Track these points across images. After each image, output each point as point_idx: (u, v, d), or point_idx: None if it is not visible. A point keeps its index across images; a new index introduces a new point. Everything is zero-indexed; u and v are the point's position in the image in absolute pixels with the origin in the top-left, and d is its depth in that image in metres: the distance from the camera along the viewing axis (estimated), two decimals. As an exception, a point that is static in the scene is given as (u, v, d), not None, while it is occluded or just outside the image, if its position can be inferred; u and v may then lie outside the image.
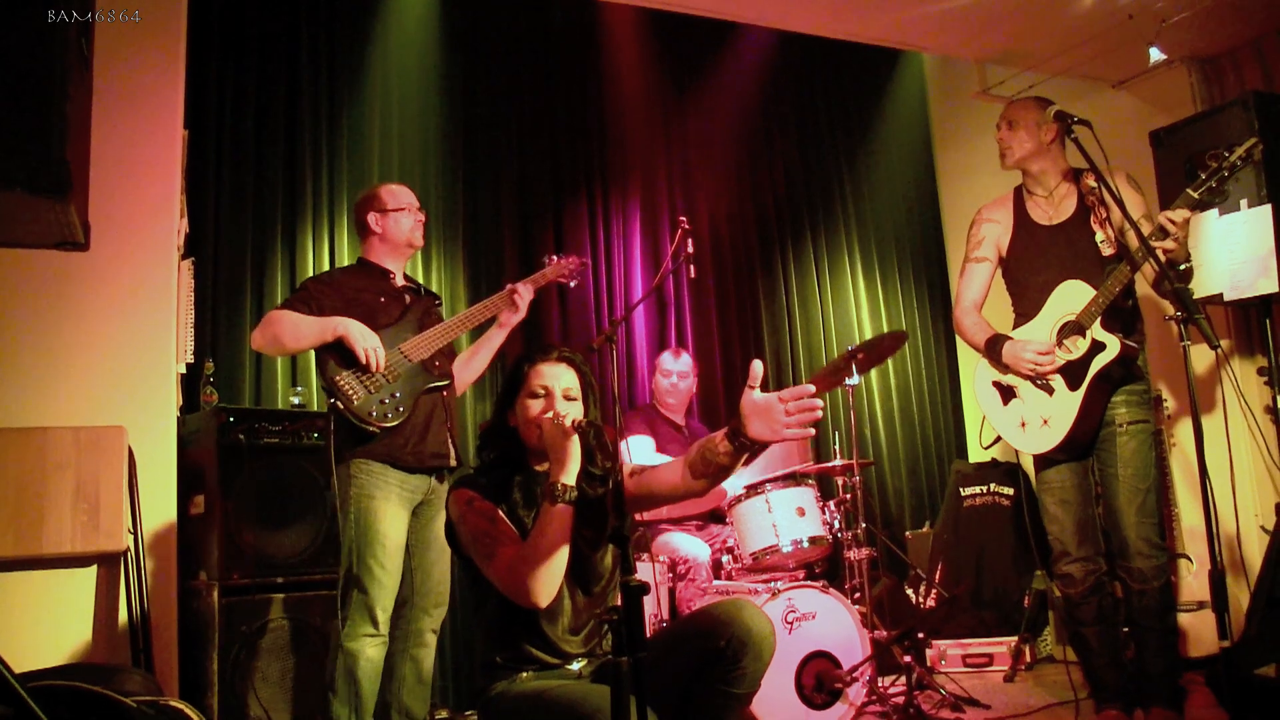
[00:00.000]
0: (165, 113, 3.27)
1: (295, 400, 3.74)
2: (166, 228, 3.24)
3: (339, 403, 2.65)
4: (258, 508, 3.24)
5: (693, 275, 3.83)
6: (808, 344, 5.62)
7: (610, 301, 5.19)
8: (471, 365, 3.12)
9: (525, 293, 3.10)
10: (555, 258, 3.29)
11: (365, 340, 2.70)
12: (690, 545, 3.88)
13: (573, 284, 3.35)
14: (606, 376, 4.70)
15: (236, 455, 3.24)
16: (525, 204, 4.99)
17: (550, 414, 1.94)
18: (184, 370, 3.47)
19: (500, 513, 1.98)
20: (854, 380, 3.92)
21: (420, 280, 4.15)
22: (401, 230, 2.98)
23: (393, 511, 2.69)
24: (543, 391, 2.04)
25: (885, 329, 5.71)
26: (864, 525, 3.77)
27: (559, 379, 2.09)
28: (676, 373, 4.41)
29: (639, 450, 4.08)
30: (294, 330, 2.74)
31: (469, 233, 4.82)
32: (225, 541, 3.13)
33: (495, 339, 3.13)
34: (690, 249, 3.71)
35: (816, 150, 5.84)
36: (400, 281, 2.99)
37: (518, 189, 4.97)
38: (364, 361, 2.68)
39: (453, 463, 2.81)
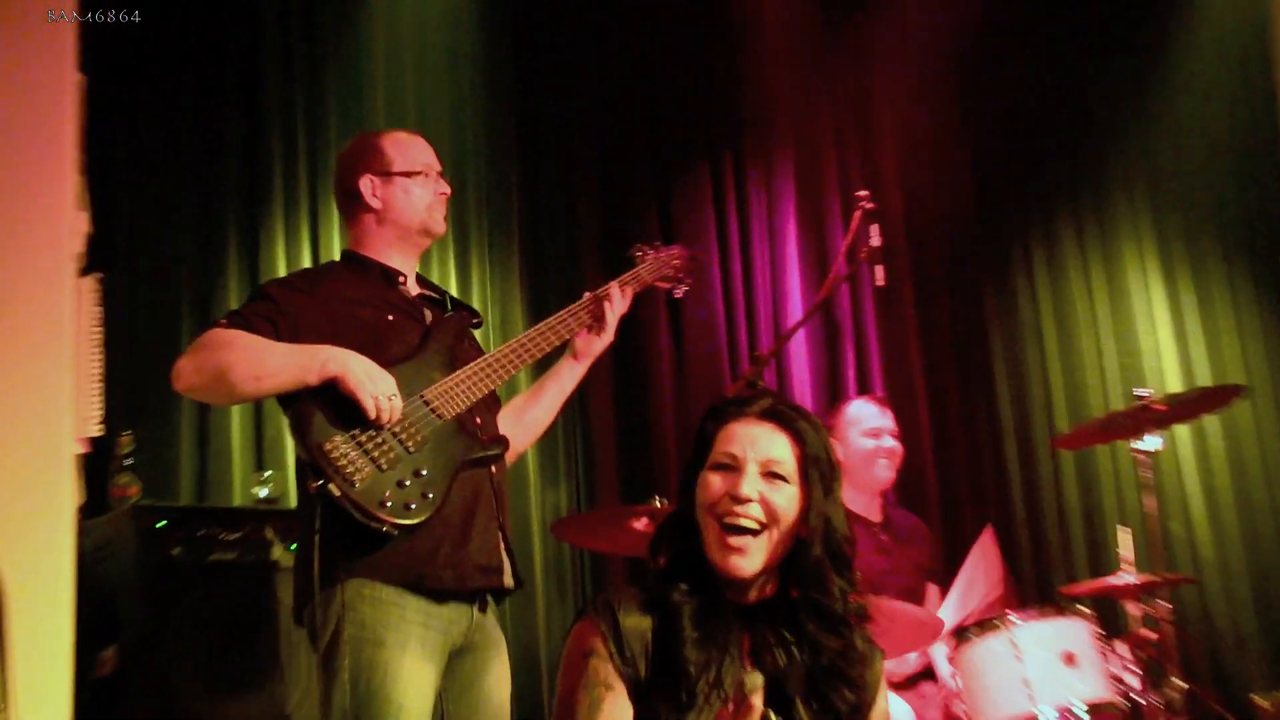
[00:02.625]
0: (49, 48, 3.24)
1: (262, 492, 3.81)
2: (52, 227, 3.23)
3: (330, 486, 2.65)
4: (202, 662, 3.26)
5: (880, 282, 3.97)
6: (1070, 386, 5.66)
7: (751, 325, 5.36)
8: (530, 417, 3.19)
9: (617, 300, 3.17)
10: (649, 250, 3.37)
11: (373, 384, 2.73)
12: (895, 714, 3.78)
13: (680, 290, 3.45)
14: None
15: (169, 580, 3.29)
16: (613, 183, 5.26)
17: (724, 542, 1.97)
18: (85, 449, 3.43)
19: (621, 682, 1.98)
20: (1151, 444, 3.97)
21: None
22: (414, 206, 3.05)
23: (413, 666, 2.71)
24: (729, 462, 2.04)
25: (1203, 366, 5.70)
26: (1180, 683, 3.79)
27: (756, 445, 2.06)
28: (888, 431, 4.51)
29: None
30: (253, 361, 2.76)
31: (526, 225, 5.10)
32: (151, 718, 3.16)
33: (568, 376, 3.19)
34: (876, 240, 3.87)
35: (1075, 81, 5.84)
36: (414, 289, 3.07)
37: (601, 162, 5.25)
38: (371, 417, 2.70)
39: (508, 581, 2.88)
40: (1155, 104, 5.88)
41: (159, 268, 4.23)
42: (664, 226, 5.16)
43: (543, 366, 3.32)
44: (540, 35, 5.16)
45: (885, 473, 4.46)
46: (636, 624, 2.01)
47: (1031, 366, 5.66)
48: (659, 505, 3.58)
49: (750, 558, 2.00)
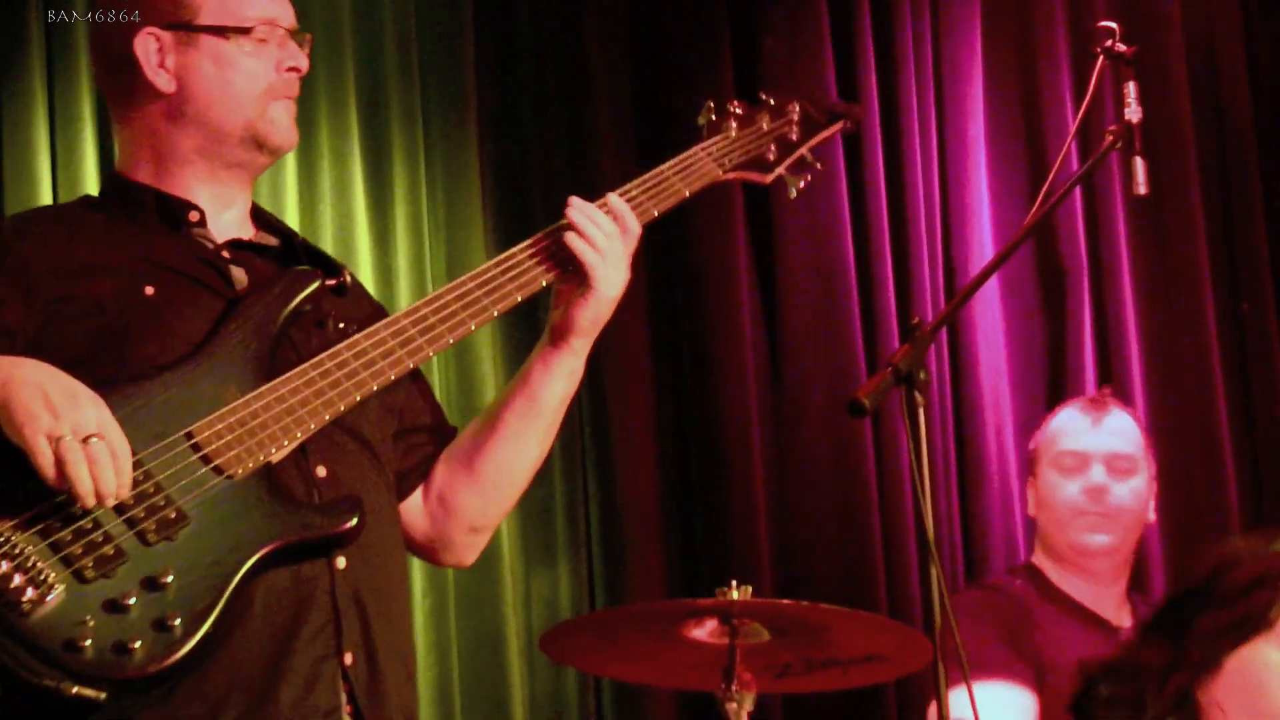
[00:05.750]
0: None
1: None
2: None
3: None
4: None
5: (1142, 189, 3.99)
6: None
7: (904, 273, 5.54)
8: (491, 465, 3.23)
9: (597, 226, 3.11)
10: (736, 107, 3.41)
11: (58, 420, 2.65)
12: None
13: (795, 189, 3.47)
14: (902, 488, 5.35)
15: None
16: (653, 13, 5.58)
17: None
18: None
19: None
20: None
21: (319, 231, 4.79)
22: (236, 91, 3.05)
23: None
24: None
25: None
26: None
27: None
28: (1100, 457, 4.64)
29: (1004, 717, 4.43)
30: None
31: (493, 95, 5.34)
32: None
33: (545, 378, 3.18)
34: (1135, 114, 3.93)
35: None
36: (227, 232, 3.08)
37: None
38: (49, 481, 2.62)
39: None
40: None
41: None
42: (743, 88, 5.17)
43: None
44: None
45: (1089, 535, 4.58)
46: None
47: None
48: (738, 597, 3.63)
49: None
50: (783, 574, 5.11)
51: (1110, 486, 4.50)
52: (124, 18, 3.07)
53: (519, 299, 3.03)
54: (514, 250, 3.07)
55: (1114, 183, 5.30)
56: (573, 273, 3.06)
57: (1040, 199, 4.13)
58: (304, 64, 3.07)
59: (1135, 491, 4.55)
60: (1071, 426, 4.64)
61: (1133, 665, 2.42)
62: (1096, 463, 4.52)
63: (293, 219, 4.74)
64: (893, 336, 5.30)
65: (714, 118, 3.34)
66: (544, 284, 3.08)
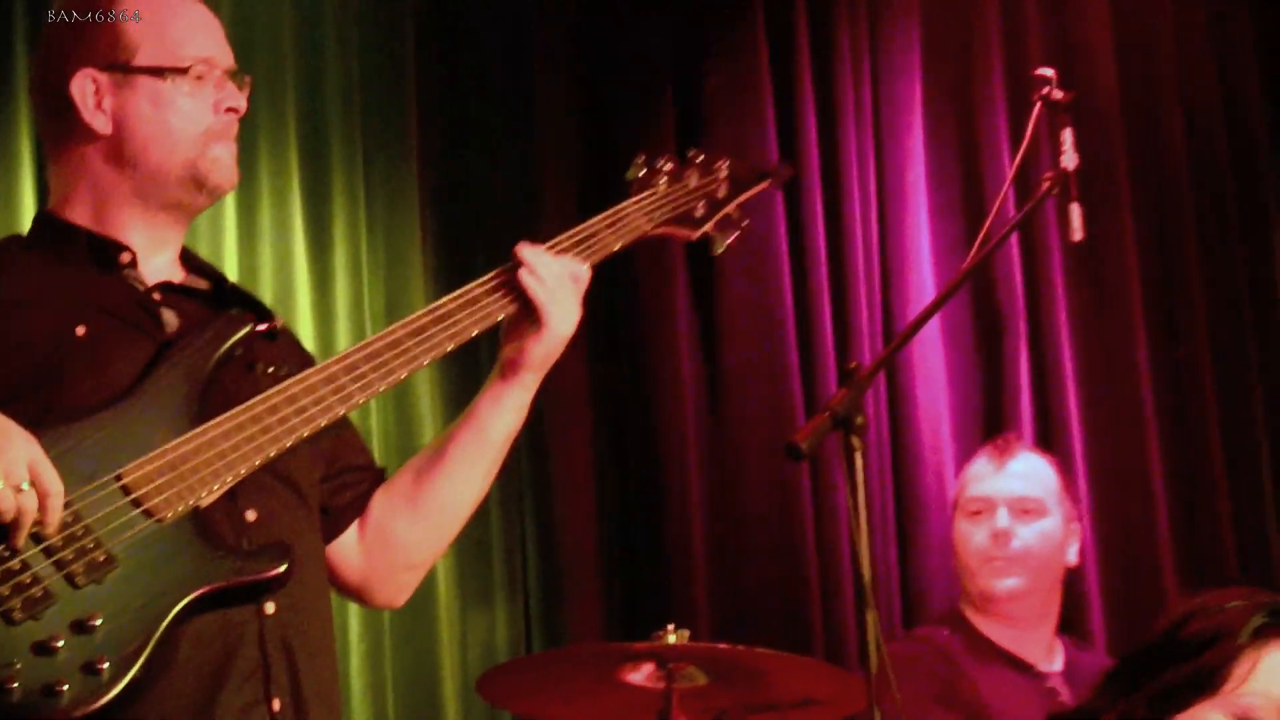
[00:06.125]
0: None
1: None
2: None
3: None
4: None
5: (1077, 235, 4.05)
6: None
7: (842, 316, 5.53)
8: (434, 500, 3.24)
9: (547, 269, 3.13)
10: (667, 163, 3.42)
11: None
12: None
13: (720, 245, 3.49)
14: (838, 533, 5.35)
15: None
16: (598, 59, 5.65)
17: None
18: None
19: None
20: None
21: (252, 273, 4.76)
22: (174, 132, 3.03)
23: None
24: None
25: None
26: None
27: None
28: (1004, 501, 4.66)
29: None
30: None
31: (435, 139, 5.36)
32: None
33: (495, 414, 3.20)
34: (1070, 161, 3.99)
35: None
36: (157, 274, 3.06)
37: (579, 22, 5.60)
38: None
39: None
40: None
41: None
42: (685, 130, 5.33)
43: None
44: None
45: (994, 581, 4.61)
46: None
47: None
48: (675, 640, 3.67)
49: None
50: (720, 616, 5.13)
51: (1014, 530, 4.53)
52: (64, 51, 3.05)
53: (450, 348, 3.04)
54: (446, 299, 3.08)
55: (1050, 228, 5.37)
56: (523, 312, 3.07)
57: (978, 244, 4.17)
58: (242, 105, 3.07)
59: (1043, 534, 4.57)
60: (977, 472, 4.68)
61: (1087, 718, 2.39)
62: (1000, 506, 4.55)
63: (231, 259, 4.79)
64: (830, 380, 5.31)
65: (644, 173, 3.36)
66: (486, 328, 3.08)
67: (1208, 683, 2.25)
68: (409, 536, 3.16)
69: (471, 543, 5.02)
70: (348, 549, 3.09)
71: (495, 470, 3.20)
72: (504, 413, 3.14)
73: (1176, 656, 2.28)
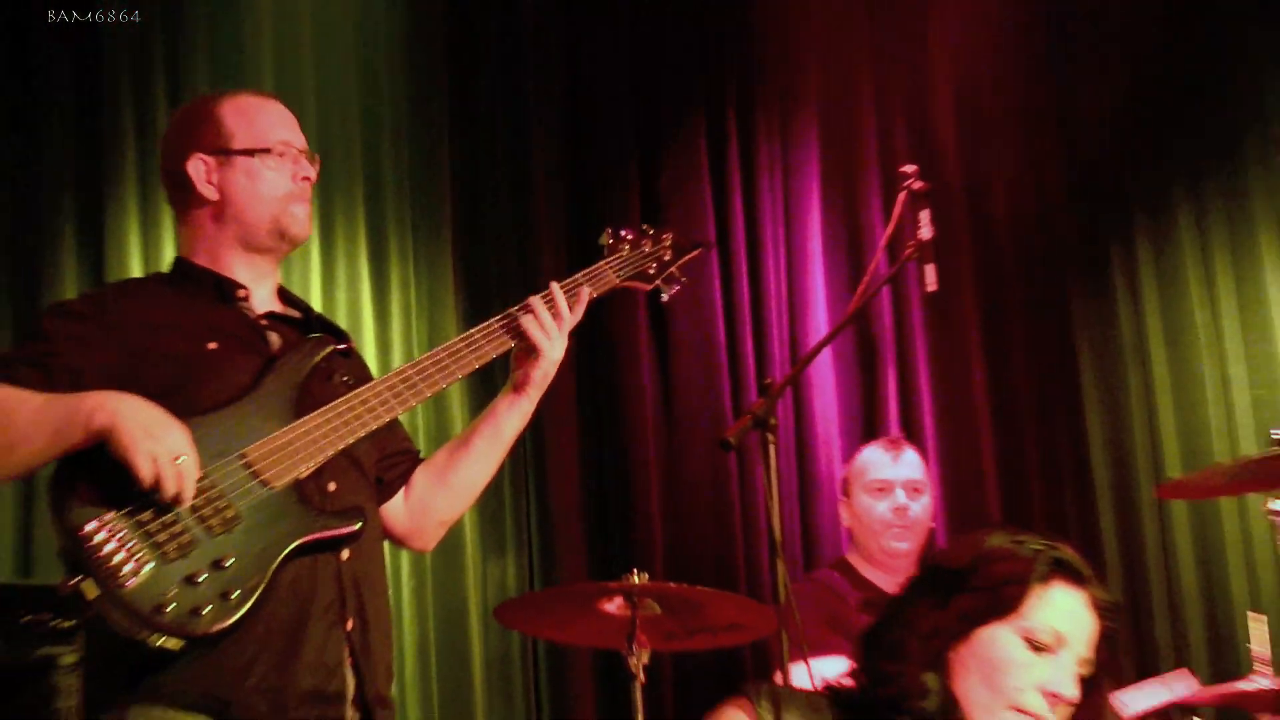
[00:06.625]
0: None
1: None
2: None
3: (85, 584, 2.60)
4: None
5: (931, 286, 4.02)
6: (1186, 428, 5.73)
7: (761, 344, 5.53)
8: (458, 477, 3.23)
9: (541, 312, 3.15)
10: (626, 236, 3.43)
11: (153, 441, 2.67)
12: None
13: (670, 293, 3.48)
14: (757, 503, 5.34)
15: None
16: (579, 151, 5.47)
17: None
18: None
19: None
20: None
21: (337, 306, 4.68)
22: (262, 196, 3.05)
23: None
24: (1048, 642, 2.28)
25: None
26: None
27: (1086, 636, 2.31)
28: (900, 484, 4.64)
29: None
30: (1, 425, 2.73)
31: (463, 210, 5.25)
32: None
33: (507, 416, 3.19)
34: (926, 232, 3.97)
35: (1208, 43, 5.88)
36: (263, 305, 3.08)
37: (563, 122, 5.47)
38: (145, 486, 2.65)
39: (350, 717, 2.86)
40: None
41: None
42: (646, 209, 5.32)
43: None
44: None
45: (896, 542, 4.57)
46: None
47: (1133, 398, 5.72)
48: (638, 582, 3.62)
49: None
50: (671, 563, 5.12)
51: (909, 506, 4.55)
52: (187, 140, 3.06)
53: (476, 366, 3.07)
54: (473, 330, 3.12)
55: (911, 282, 5.38)
56: (526, 345, 3.11)
57: (859, 294, 4.24)
58: (313, 174, 3.09)
59: (925, 507, 4.61)
60: (876, 460, 4.65)
61: (902, 618, 2.34)
62: (898, 487, 4.56)
63: (316, 301, 4.72)
64: (752, 391, 5.32)
65: (611, 241, 3.38)
66: (501, 353, 3.11)
67: (1004, 607, 2.26)
68: (439, 502, 3.18)
69: (490, 509, 5.03)
70: (395, 510, 3.11)
71: (503, 457, 3.22)
72: (514, 416, 3.17)
73: (983, 583, 2.29)
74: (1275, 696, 4.02)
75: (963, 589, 2.31)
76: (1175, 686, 4.27)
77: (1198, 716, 4.15)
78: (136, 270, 4.44)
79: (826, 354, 5.38)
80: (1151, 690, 4.29)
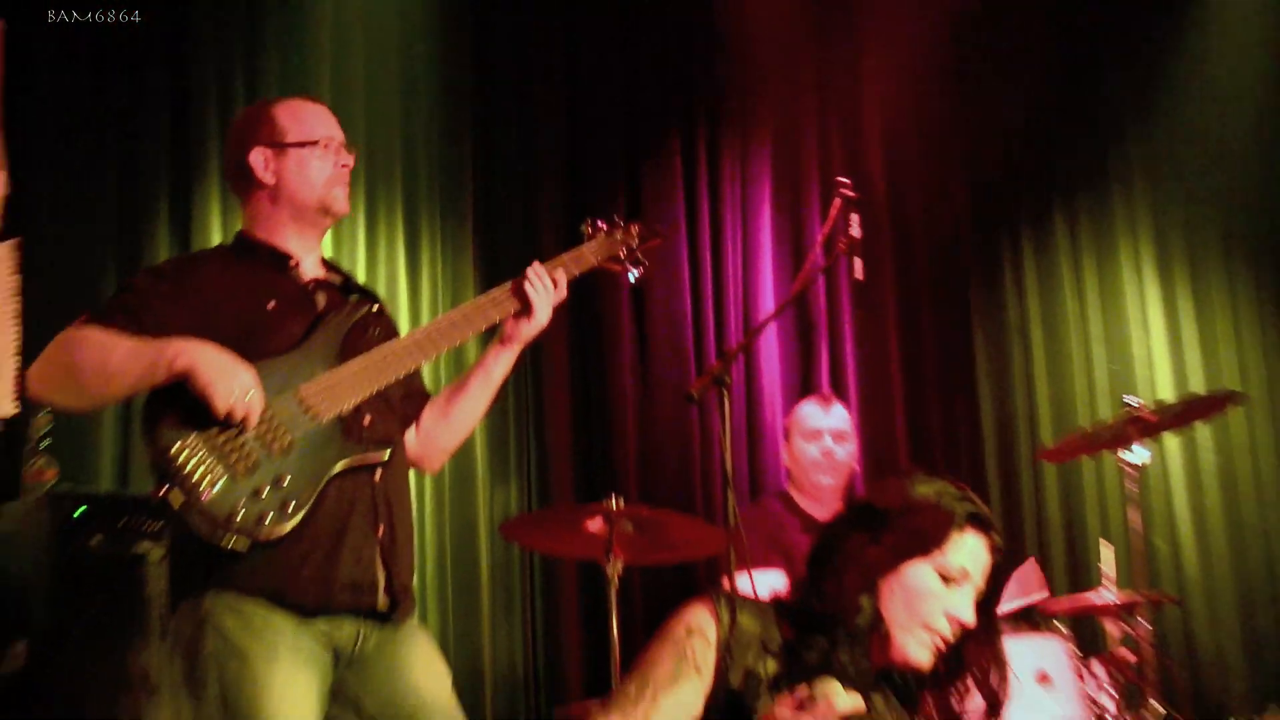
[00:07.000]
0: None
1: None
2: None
3: (172, 494, 2.62)
4: (119, 663, 3.30)
5: (858, 275, 4.03)
6: (1057, 395, 5.76)
7: (720, 317, 5.47)
8: (456, 411, 3.17)
9: (540, 281, 3.11)
10: (602, 226, 3.35)
11: (227, 379, 2.68)
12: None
13: (635, 275, 3.41)
14: (713, 445, 5.21)
15: (87, 573, 3.31)
16: (577, 158, 5.38)
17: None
18: (-2, 429, 3.53)
19: (709, 675, 2.22)
20: (1139, 456, 4.07)
21: (383, 279, 4.58)
22: (310, 181, 3.00)
23: (285, 678, 2.70)
24: (957, 576, 2.27)
25: (1198, 375, 5.83)
26: (1158, 707, 3.86)
27: (983, 572, 2.30)
28: (829, 432, 4.59)
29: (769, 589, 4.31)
30: (99, 360, 2.73)
31: (481, 203, 5.20)
32: (67, 721, 3.18)
33: (494, 363, 3.14)
34: (855, 232, 3.90)
35: (1080, 75, 5.98)
36: (310, 272, 3.04)
37: (565, 134, 5.36)
38: (220, 416, 2.66)
39: (381, 603, 2.83)
40: (1162, 102, 5.96)
41: (83, 233, 4.26)
42: (631, 206, 5.24)
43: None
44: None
45: (825, 478, 4.52)
46: (751, 631, 2.26)
47: (1016, 371, 5.74)
48: (615, 505, 3.60)
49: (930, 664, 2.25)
50: (643, 490, 5.05)
51: (835, 450, 4.52)
52: (248, 137, 3.01)
53: (483, 326, 3.05)
54: (483, 295, 3.11)
55: (843, 272, 5.37)
56: (523, 307, 3.07)
57: (799, 279, 4.50)
58: (351, 162, 3.05)
59: (849, 452, 4.57)
60: (811, 412, 4.61)
61: (841, 547, 2.33)
62: (827, 435, 4.53)
63: (361, 274, 4.70)
64: (711, 355, 5.30)
65: (590, 229, 3.33)
66: (493, 322, 3.08)
67: (927, 547, 2.27)
68: (441, 434, 3.14)
69: (497, 443, 5.01)
70: (409, 440, 3.07)
71: (493, 397, 3.17)
72: (501, 364, 3.11)
73: (912, 524, 2.29)
74: (1117, 607, 4.07)
75: (893, 528, 2.32)
76: (1026, 580, 4.27)
77: (1056, 620, 4.16)
78: (217, 241, 4.42)
79: (772, 327, 5.37)
80: (1009, 592, 4.22)
